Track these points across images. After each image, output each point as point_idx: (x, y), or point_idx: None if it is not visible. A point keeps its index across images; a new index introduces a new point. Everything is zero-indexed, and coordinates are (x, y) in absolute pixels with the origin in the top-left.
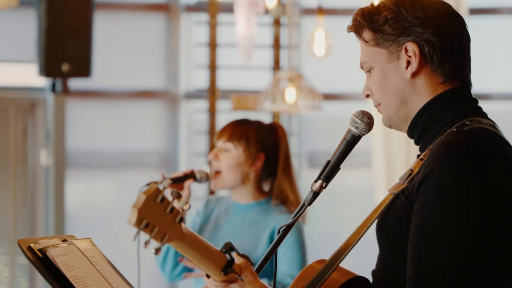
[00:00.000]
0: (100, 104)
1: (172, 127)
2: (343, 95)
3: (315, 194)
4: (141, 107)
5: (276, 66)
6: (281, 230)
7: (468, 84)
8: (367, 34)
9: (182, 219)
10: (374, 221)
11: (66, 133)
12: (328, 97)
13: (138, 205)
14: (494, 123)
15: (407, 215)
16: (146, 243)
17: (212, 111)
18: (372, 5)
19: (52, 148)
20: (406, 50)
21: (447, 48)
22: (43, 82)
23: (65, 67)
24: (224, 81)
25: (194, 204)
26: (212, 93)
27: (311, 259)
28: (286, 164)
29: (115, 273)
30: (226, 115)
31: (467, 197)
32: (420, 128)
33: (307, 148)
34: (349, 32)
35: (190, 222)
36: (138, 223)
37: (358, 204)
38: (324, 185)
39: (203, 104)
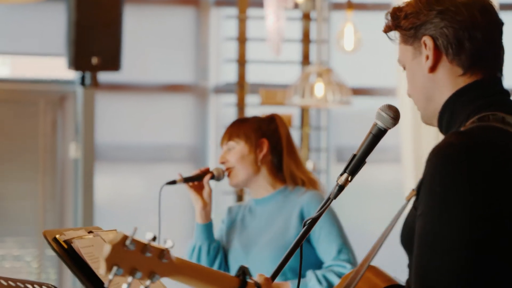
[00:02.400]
0: (129, 98)
1: (201, 121)
2: (372, 90)
3: (341, 188)
4: (170, 101)
5: (305, 60)
6: (307, 223)
7: (493, 75)
8: (393, 32)
9: (167, 255)
10: (393, 226)
11: (95, 127)
12: (357, 92)
13: (104, 255)
14: None
15: (414, 223)
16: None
17: (240, 106)
18: (403, 3)
19: (81, 141)
20: (425, 45)
21: (462, 38)
22: (72, 75)
23: (94, 61)
24: (253, 75)
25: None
26: (241, 87)
27: None
28: (289, 147)
29: None
30: (254, 109)
31: (455, 204)
32: (444, 126)
33: (336, 143)
34: (384, 32)
35: (218, 230)
36: (108, 271)
37: (387, 200)
38: (349, 179)
39: (232, 98)
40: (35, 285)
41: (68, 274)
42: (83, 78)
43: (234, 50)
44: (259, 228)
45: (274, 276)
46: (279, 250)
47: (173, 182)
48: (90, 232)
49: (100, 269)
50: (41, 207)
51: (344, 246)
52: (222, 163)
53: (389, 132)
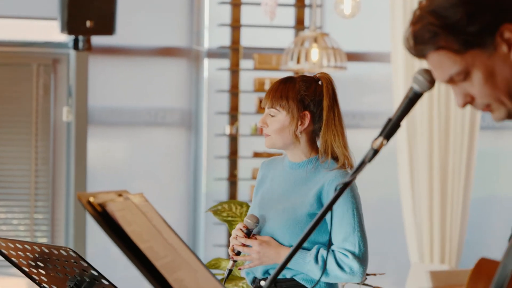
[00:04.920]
0: (123, 62)
1: (194, 85)
2: (365, 55)
3: (375, 152)
4: (163, 64)
5: (299, 25)
6: (337, 187)
7: None
8: (451, 42)
9: None
10: None
11: (89, 90)
12: (350, 57)
13: None
14: None
15: None
16: None
17: (234, 70)
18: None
19: (74, 105)
20: (501, 34)
21: None
22: (66, 38)
23: (88, 24)
24: (247, 39)
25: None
26: (234, 51)
27: None
28: (330, 118)
29: (168, 229)
30: (248, 73)
31: None
32: None
33: None
34: (415, 53)
35: (254, 192)
36: None
37: (380, 166)
38: (384, 143)
39: (226, 63)
40: (52, 249)
41: (59, 237)
42: (76, 42)
43: (228, 14)
44: (283, 191)
45: (301, 243)
46: (290, 222)
47: (230, 272)
48: (119, 195)
49: None
50: (33, 169)
51: (352, 235)
52: (261, 127)
53: (383, 97)
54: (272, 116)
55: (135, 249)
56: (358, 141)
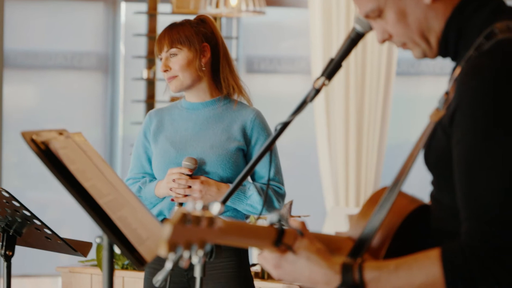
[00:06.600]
0: (39, 4)
1: (111, 28)
2: (283, 0)
3: (317, 91)
4: (80, 8)
5: None
6: (277, 127)
7: None
8: None
9: (216, 221)
10: (420, 149)
11: (4, 33)
12: (270, 2)
13: (166, 237)
14: None
15: (447, 147)
16: (186, 261)
17: (152, 14)
18: None
19: None
20: None
21: None
22: None
23: None
24: None
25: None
26: None
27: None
28: (224, 50)
29: (108, 168)
30: (166, 17)
31: (499, 127)
32: (452, 48)
33: (246, 53)
34: None
35: (141, 146)
36: (171, 251)
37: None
38: (326, 83)
39: (143, 7)
40: None
41: None
42: None
43: None
44: (195, 131)
45: (239, 183)
46: (222, 157)
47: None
48: (60, 134)
49: (160, 251)
50: None
51: (280, 169)
52: (165, 71)
53: (300, 42)
54: (175, 55)
55: (79, 187)
56: (275, 85)
